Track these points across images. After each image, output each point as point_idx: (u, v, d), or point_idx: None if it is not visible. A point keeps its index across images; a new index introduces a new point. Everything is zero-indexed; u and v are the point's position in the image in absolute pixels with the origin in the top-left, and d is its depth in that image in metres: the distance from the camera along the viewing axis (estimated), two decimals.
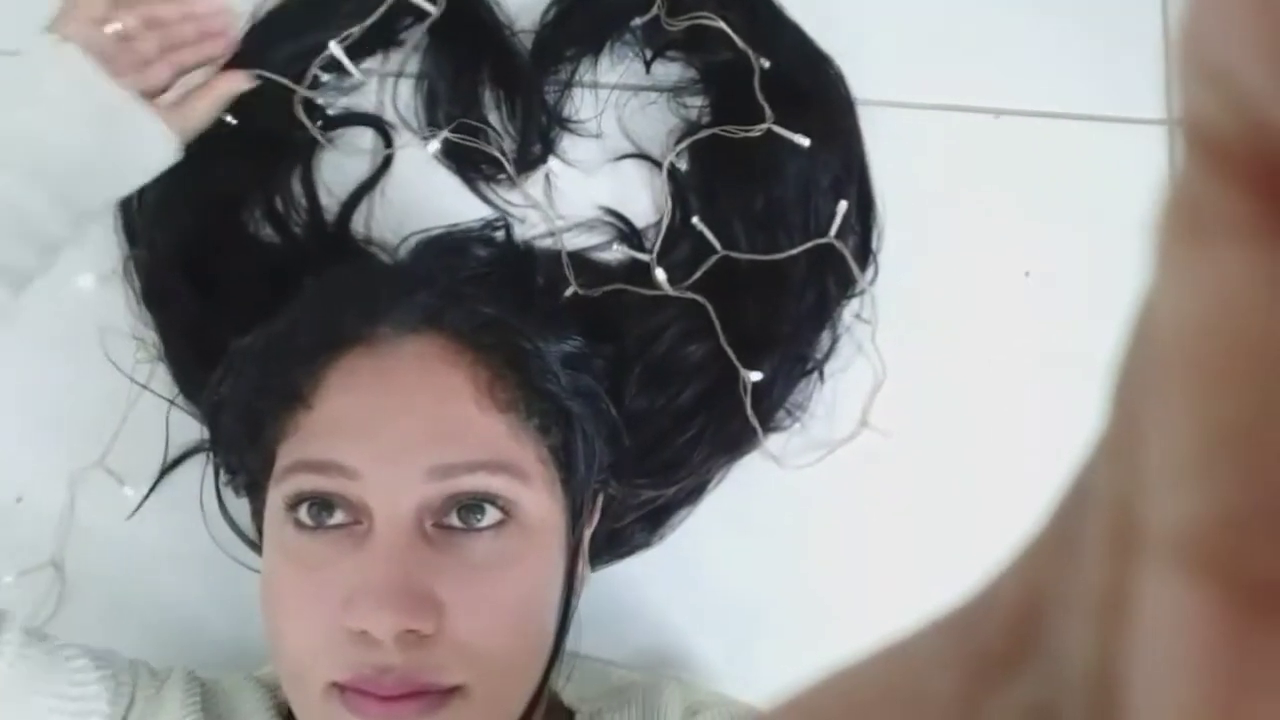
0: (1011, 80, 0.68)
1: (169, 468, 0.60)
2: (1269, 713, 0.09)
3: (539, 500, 0.46)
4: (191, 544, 0.59)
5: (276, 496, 0.46)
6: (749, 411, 0.61)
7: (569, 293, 0.62)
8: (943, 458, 0.63)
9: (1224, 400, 0.09)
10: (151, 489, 0.60)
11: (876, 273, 0.64)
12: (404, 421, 0.45)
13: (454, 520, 0.45)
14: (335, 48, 0.64)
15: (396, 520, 0.43)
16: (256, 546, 0.57)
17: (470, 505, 0.45)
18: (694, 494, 0.61)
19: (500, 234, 0.62)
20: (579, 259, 0.64)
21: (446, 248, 0.60)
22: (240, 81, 0.58)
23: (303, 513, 0.45)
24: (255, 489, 0.52)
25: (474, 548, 0.44)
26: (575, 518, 0.50)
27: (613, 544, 0.60)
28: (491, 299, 0.50)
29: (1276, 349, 0.09)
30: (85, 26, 0.52)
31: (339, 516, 0.45)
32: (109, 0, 0.53)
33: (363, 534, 0.44)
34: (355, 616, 0.42)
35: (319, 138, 0.65)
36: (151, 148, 0.54)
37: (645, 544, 0.61)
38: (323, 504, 0.45)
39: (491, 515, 0.45)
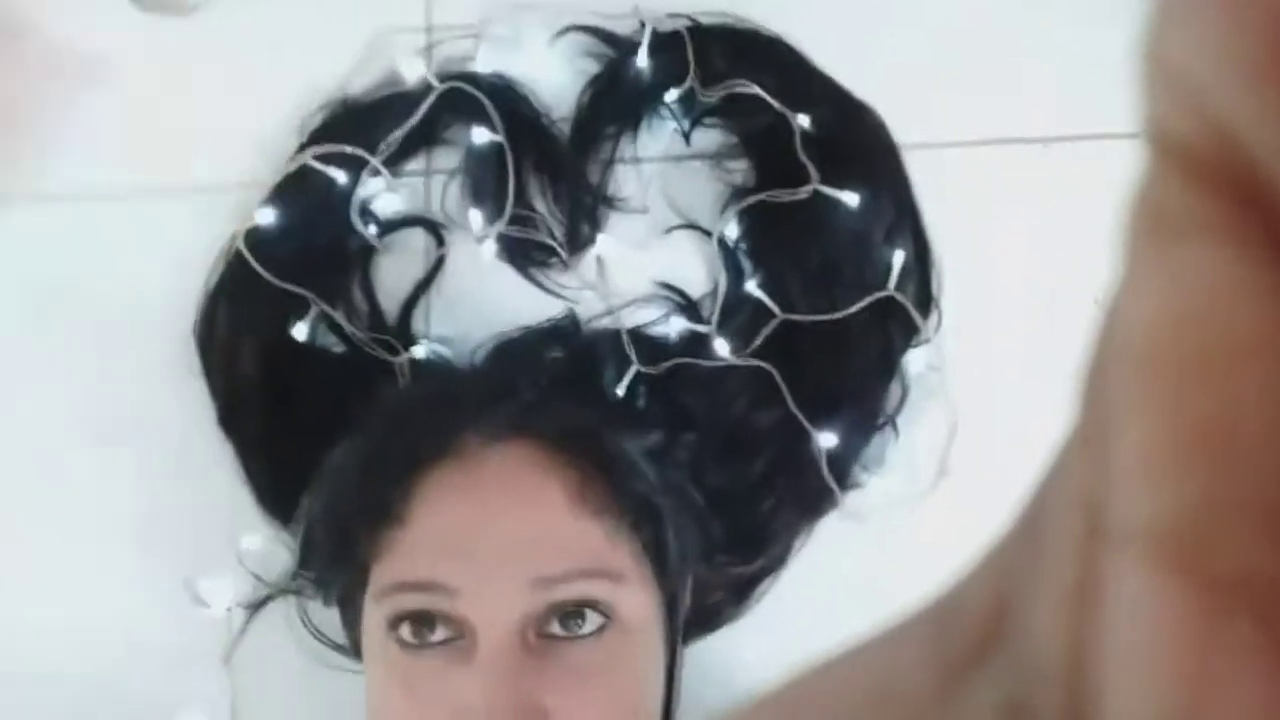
0: (1056, 107, 0.67)
1: (263, 603, 0.61)
2: (1235, 705, 0.09)
3: (637, 599, 0.47)
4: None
5: (377, 615, 0.47)
6: (825, 474, 0.60)
7: (632, 371, 0.62)
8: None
9: (1191, 397, 0.09)
10: (247, 622, 0.62)
11: (940, 318, 0.63)
12: (500, 534, 0.45)
13: (556, 628, 0.45)
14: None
15: (500, 634, 0.44)
16: (349, 653, 0.58)
17: (571, 612, 0.45)
18: (778, 561, 0.61)
19: (569, 328, 0.62)
20: (638, 336, 0.64)
21: (521, 350, 0.60)
22: None
23: (405, 631, 0.46)
24: (349, 602, 0.53)
25: (577, 654, 0.45)
26: (672, 609, 0.50)
27: (701, 620, 0.59)
28: (574, 402, 0.50)
29: (1241, 347, 0.09)
30: None
31: (441, 633, 0.45)
32: None
33: (466, 649, 0.45)
34: None
35: (374, 244, 0.66)
36: None
37: (733, 616, 0.61)
38: (424, 621, 0.45)
39: (593, 621, 0.45)
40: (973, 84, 0.67)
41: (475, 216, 0.65)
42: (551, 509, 0.46)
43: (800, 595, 0.62)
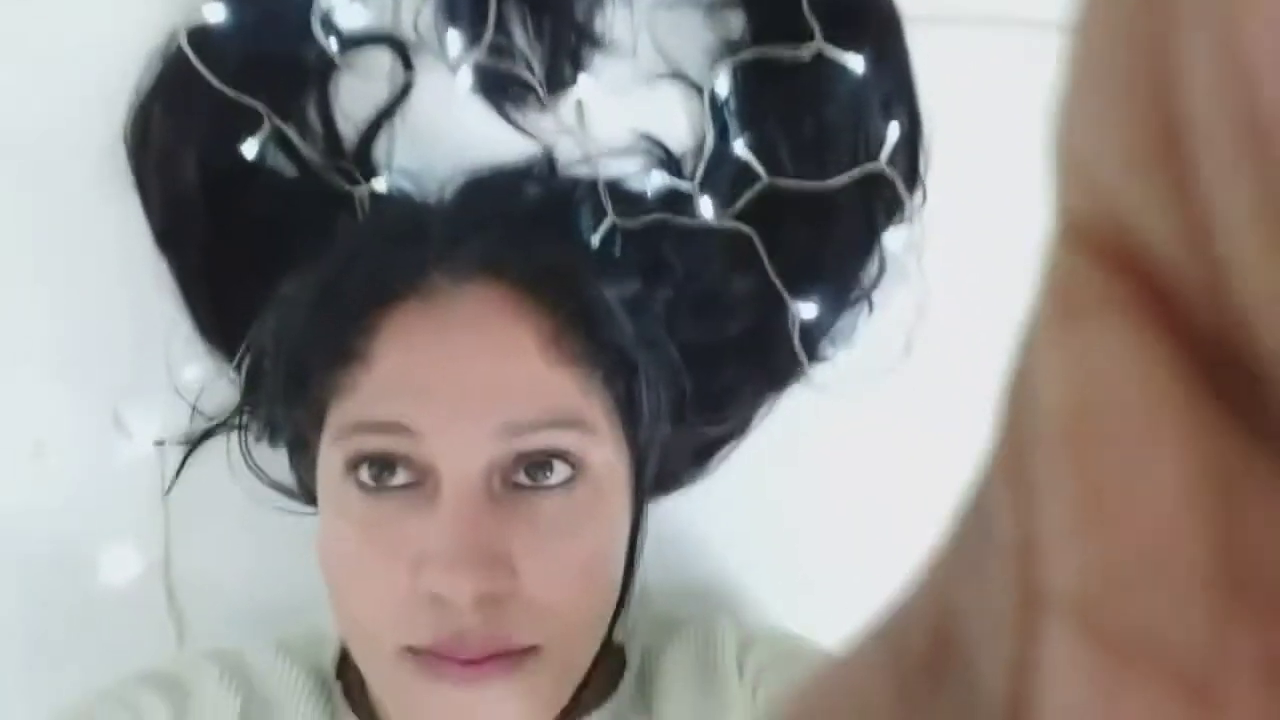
0: None
1: (202, 438, 0.58)
2: None
3: (606, 453, 0.45)
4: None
5: (334, 456, 0.45)
6: (796, 345, 0.59)
7: (607, 223, 0.60)
8: (990, 387, 0.62)
9: (1094, 471, 0.10)
10: (185, 458, 0.58)
11: (925, 198, 0.62)
12: (468, 378, 0.43)
13: (522, 478, 0.44)
14: None
15: (465, 481, 0.42)
16: (298, 496, 0.55)
17: (539, 462, 0.44)
18: (741, 427, 0.61)
19: (545, 169, 0.59)
20: (615, 187, 0.61)
21: (495, 188, 0.57)
22: None
23: (364, 473, 0.44)
24: (300, 444, 0.50)
25: (544, 506, 0.43)
26: (640, 467, 0.49)
27: (661, 480, 0.59)
28: (549, 243, 0.48)
29: (1137, 423, 0.10)
30: None
31: (402, 476, 0.43)
32: None
33: (429, 493, 0.43)
34: (429, 580, 0.41)
35: (335, 60, 0.60)
36: None
37: (691, 479, 0.61)
38: (385, 464, 0.43)
39: (560, 472, 0.44)
40: None
41: (452, 39, 0.60)
42: (523, 354, 0.44)
43: (758, 461, 0.62)
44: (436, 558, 0.41)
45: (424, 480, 0.43)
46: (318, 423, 0.46)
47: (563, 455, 0.44)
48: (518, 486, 0.43)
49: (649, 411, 0.48)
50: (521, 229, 0.50)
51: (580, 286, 0.46)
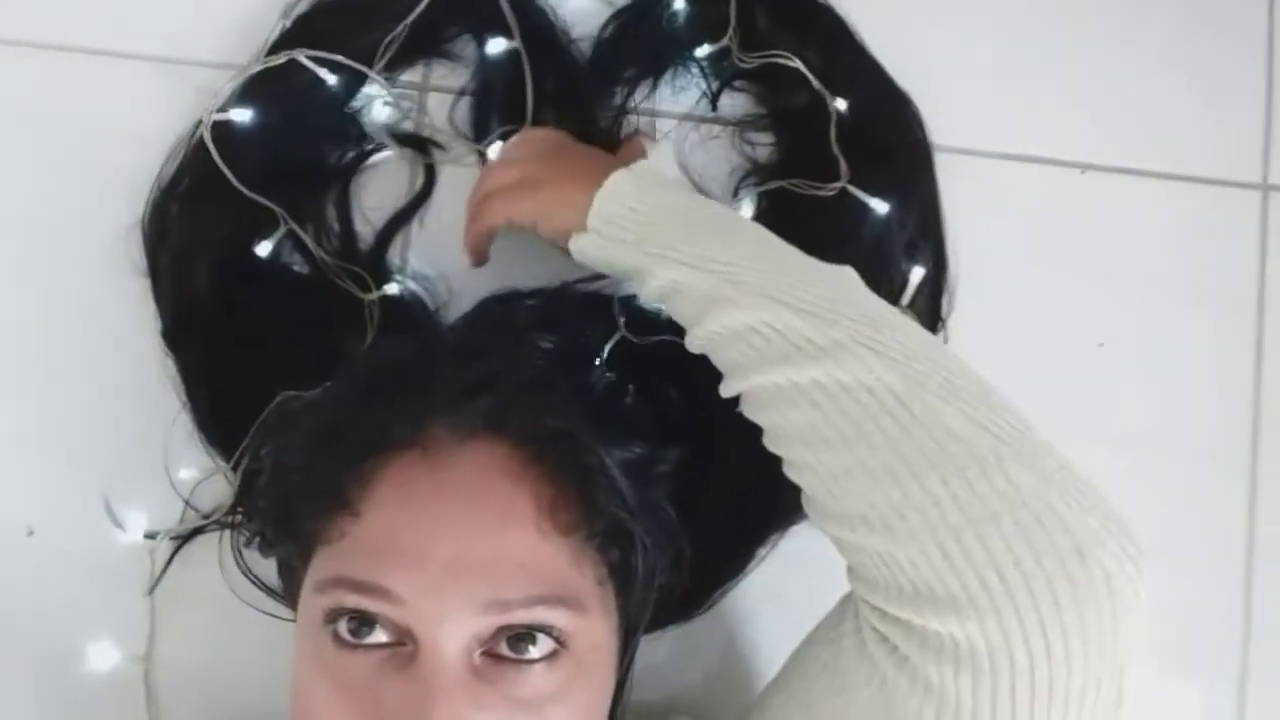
0: (1101, 134, 0.64)
1: (192, 535, 0.57)
2: None
3: (595, 629, 0.43)
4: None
5: (315, 604, 0.43)
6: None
7: (616, 338, 0.59)
8: None
9: None
10: (174, 553, 0.57)
11: (946, 338, 0.60)
12: (459, 548, 0.41)
13: (504, 649, 0.41)
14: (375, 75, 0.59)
15: (444, 654, 0.40)
16: (283, 599, 0.55)
17: (522, 635, 0.42)
18: (740, 566, 0.59)
19: (560, 302, 0.58)
20: (628, 304, 0.60)
21: (507, 324, 0.55)
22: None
23: (342, 627, 0.42)
24: (288, 566, 0.49)
25: (524, 682, 0.41)
26: (629, 634, 0.47)
27: (655, 615, 0.57)
28: (556, 403, 0.46)
29: None
30: None
31: (381, 635, 0.41)
32: None
33: (406, 657, 0.41)
34: None
35: (358, 159, 0.60)
36: None
37: (688, 616, 0.59)
38: (364, 620, 0.42)
39: (544, 645, 0.42)
40: (1019, 97, 0.63)
41: (471, 140, 0.59)
42: (518, 526, 0.42)
43: (747, 597, 0.60)
44: None
45: (403, 642, 0.42)
46: (304, 558, 0.45)
47: (547, 630, 0.42)
48: (498, 658, 0.41)
49: (642, 579, 0.47)
50: (528, 387, 0.47)
51: (582, 453, 0.44)
